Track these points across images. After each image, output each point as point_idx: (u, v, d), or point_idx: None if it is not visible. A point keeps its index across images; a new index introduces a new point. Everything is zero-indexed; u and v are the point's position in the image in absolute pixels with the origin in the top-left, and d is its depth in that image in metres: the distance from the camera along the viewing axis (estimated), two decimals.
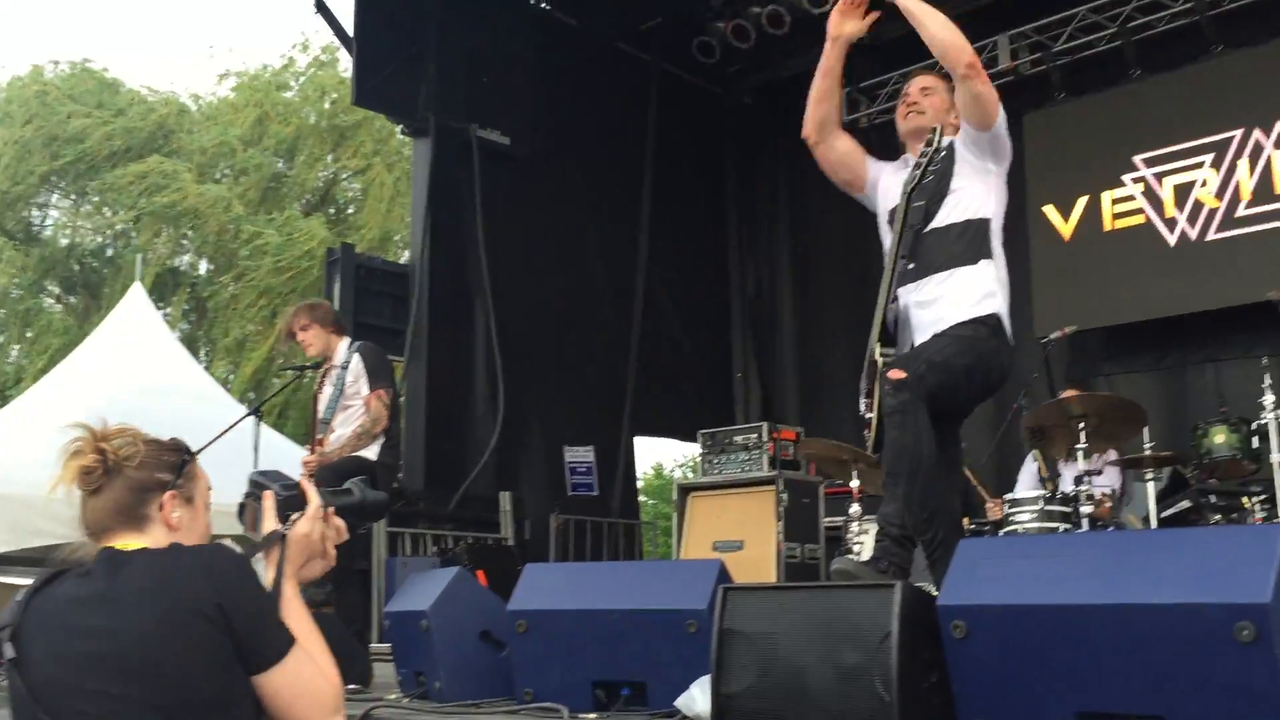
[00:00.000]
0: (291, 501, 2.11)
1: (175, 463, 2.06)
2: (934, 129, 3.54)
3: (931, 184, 3.65)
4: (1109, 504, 5.57)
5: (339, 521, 2.18)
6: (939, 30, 3.54)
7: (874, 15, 3.69)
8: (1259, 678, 1.98)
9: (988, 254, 3.60)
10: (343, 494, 2.26)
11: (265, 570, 2.05)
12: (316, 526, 2.11)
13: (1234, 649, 2.01)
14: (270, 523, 2.08)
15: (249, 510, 2.15)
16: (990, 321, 3.56)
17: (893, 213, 3.75)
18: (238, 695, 1.85)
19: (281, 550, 2.06)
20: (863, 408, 3.91)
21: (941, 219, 3.62)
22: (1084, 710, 2.21)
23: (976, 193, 3.63)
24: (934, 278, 3.57)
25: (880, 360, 3.66)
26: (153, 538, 1.99)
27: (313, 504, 2.12)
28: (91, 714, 1.79)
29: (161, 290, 19.89)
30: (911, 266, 3.60)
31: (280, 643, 1.90)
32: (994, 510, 6.23)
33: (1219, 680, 2.03)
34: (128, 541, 1.98)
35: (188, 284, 20.80)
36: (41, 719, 1.80)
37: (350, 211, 22.08)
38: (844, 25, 3.68)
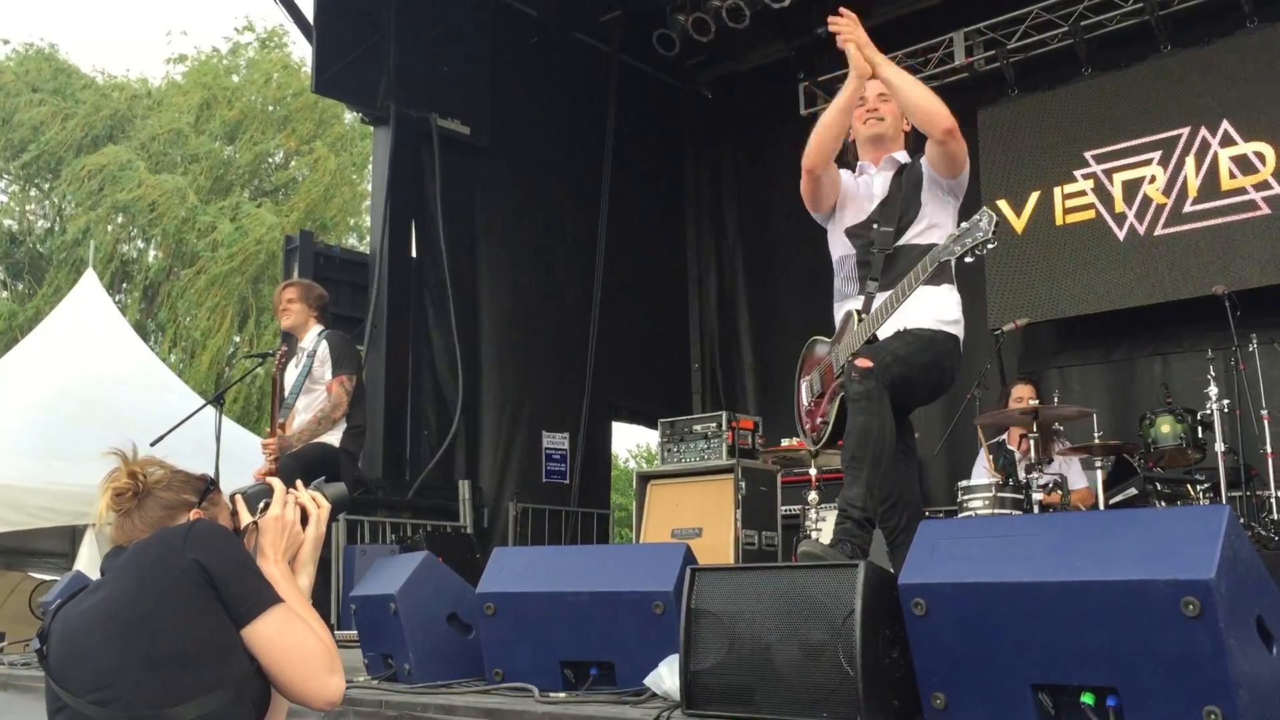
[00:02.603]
0: (260, 494, 2.26)
1: (200, 488, 2.21)
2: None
3: (898, 202, 3.74)
4: (1059, 493, 5.71)
5: (306, 496, 2.31)
6: (918, 98, 3.62)
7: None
8: (1203, 649, 2.09)
9: (949, 279, 3.70)
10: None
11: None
12: (288, 509, 2.25)
13: (1180, 623, 2.11)
14: (246, 519, 2.23)
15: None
16: (951, 333, 3.70)
17: (856, 225, 3.84)
18: (230, 647, 1.95)
19: (256, 535, 2.21)
20: (807, 402, 3.98)
21: (910, 236, 3.72)
22: (1038, 682, 2.31)
23: (939, 220, 3.74)
24: (900, 288, 3.65)
25: (832, 357, 3.76)
26: None
27: (278, 488, 2.27)
28: (92, 672, 1.90)
29: (111, 279, 19.64)
30: (886, 269, 3.71)
31: (261, 595, 2.00)
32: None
33: (1166, 652, 2.13)
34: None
35: (137, 273, 20.55)
36: (56, 693, 1.93)
37: (294, 200, 21.91)
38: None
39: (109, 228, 19.74)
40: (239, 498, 2.25)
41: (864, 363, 3.46)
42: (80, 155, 19.61)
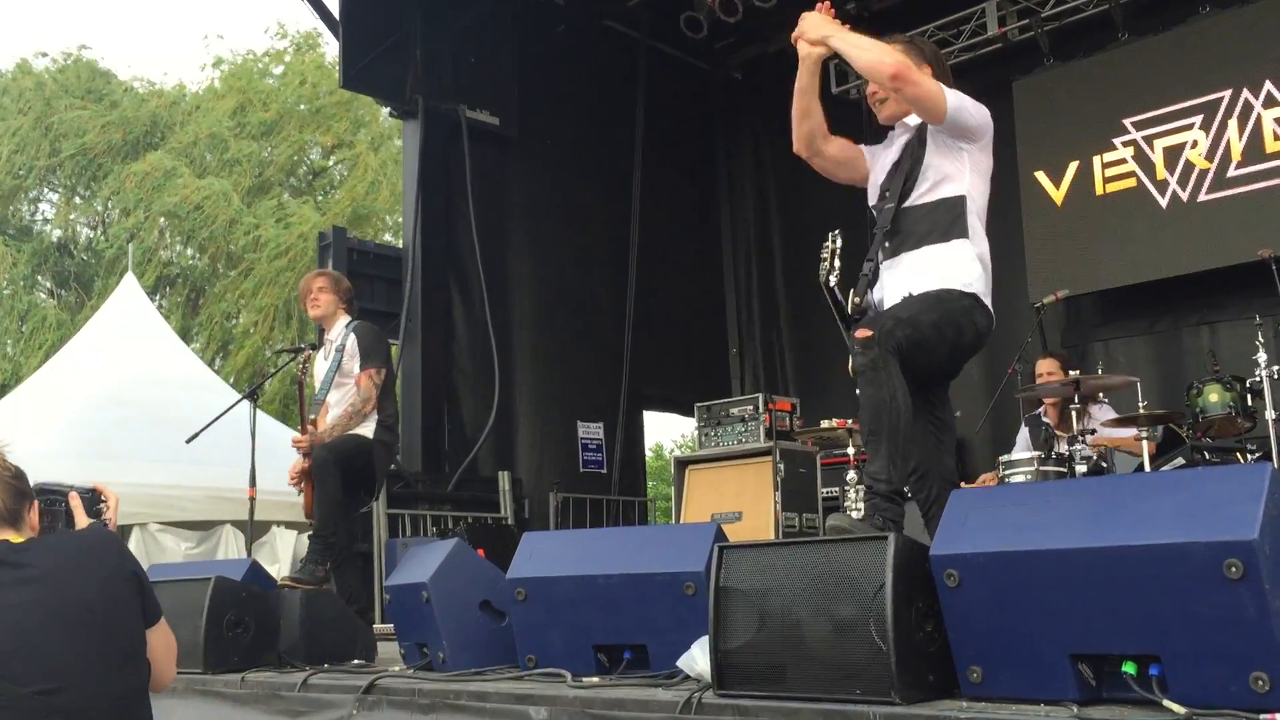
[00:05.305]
0: (95, 500, 2.47)
1: (23, 475, 2.35)
2: None
3: (905, 165, 3.63)
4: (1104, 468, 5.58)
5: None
6: (861, 56, 3.52)
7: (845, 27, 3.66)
8: (1248, 612, 2.00)
9: (962, 233, 3.50)
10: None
11: None
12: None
13: (1223, 586, 2.03)
14: (82, 518, 2.43)
15: (46, 515, 2.42)
16: (963, 290, 3.48)
17: (875, 201, 3.75)
18: (144, 647, 2.28)
19: None
20: None
21: (915, 198, 3.58)
22: (1077, 652, 2.24)
23: (948, 172, 3.55)
24: (906, 255, 3.54)
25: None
26: (23, 537, 2.26)
27: (112, 499, 2.50)
28: (43, 665, 2.04)
29: (154, 284, 19.86)
30: (888, 244, 3.60)
31: (158, 600, 2.36)
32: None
33: (1210, 616, 2.05)
34: (8, 536, 2.22)
35: (181, 277, 20.76)
36: None
37: (336, 196, 22.02)
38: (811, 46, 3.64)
39: (154, 233, 19.95)
40: (75, 496, 2.43)
41: (863, 333, 3.34)
42: (122, 162, 19.81)
